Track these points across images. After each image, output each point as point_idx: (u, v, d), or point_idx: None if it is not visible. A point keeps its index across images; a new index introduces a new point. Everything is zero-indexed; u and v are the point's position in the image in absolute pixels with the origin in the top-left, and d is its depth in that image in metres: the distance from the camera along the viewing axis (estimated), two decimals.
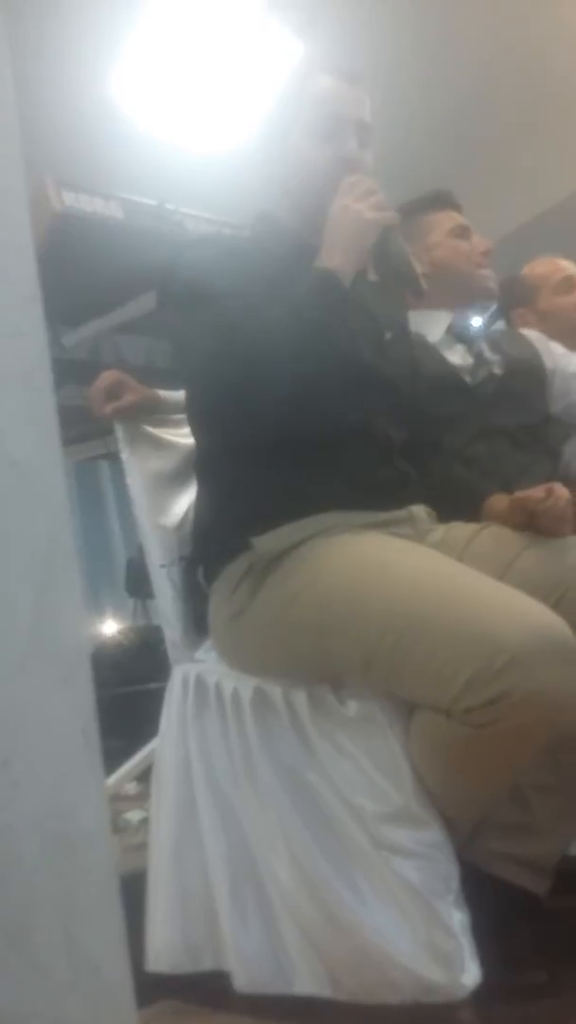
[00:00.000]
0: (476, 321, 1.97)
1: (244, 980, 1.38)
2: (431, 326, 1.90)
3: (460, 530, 1.54)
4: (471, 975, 1.22)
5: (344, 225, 1.46)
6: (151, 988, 1.42)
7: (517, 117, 3.64)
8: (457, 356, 1.87)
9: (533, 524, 1.46)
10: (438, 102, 3.43)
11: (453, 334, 1.90)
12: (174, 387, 1.78)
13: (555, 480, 1.52)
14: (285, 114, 1.61)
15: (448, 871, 1.27)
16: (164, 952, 1.46)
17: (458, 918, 1.24)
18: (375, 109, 1.58)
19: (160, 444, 1.79)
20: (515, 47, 3.36)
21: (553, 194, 4.11)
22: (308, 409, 1.43)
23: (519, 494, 1.48)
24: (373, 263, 1.53)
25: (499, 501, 1.55)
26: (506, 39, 3.33)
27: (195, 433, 1.65)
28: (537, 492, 1.45)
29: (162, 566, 1.68)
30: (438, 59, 3.29)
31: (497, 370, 1.87)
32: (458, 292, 1.92)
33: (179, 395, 1.75)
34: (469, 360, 1.86)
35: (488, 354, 1.89)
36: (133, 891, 1.44)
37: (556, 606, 1.27)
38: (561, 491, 1.45)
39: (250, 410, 1.45)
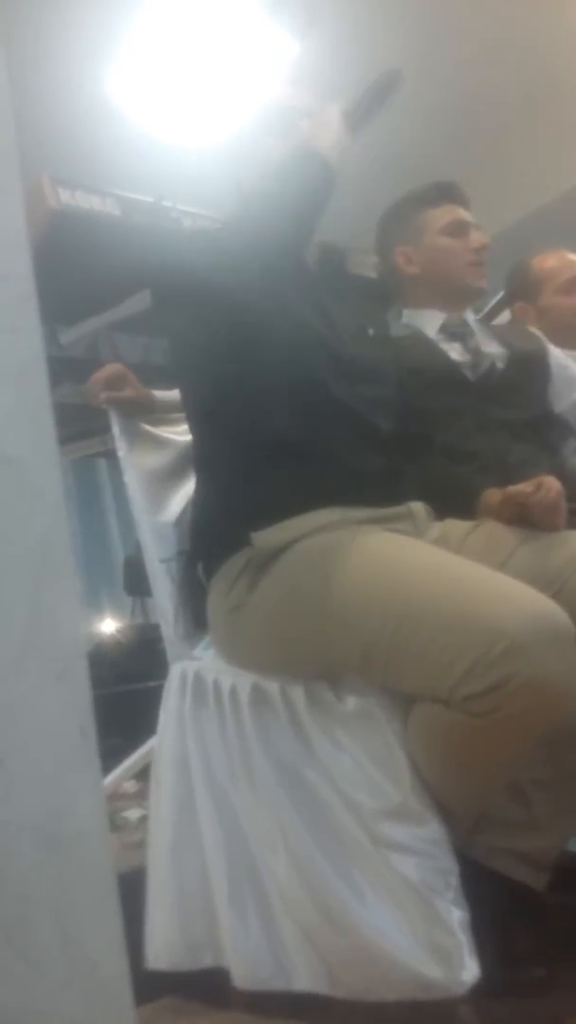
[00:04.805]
0: (470, 318, 1.96)
1: (243, 977, 1.38)
2: (424, 326, 1.90)
3: (456, 527, 1.54)
4: (470, 972, 1.21)
5: (311, 131, 1.59)
6: (150, 985, 1.42)
7: (515, 113, 3.63)
8: (455, 353, 1.86)
9: (525, 517, 1.46)
10: (436, 97, 3.41)
11: (446, 333, 1.89)
12: (171, 385, 1.78)
13: (556, 475, 1.52)
14: (245, 137, 1.71)
15: (447, 868, 1.27)
16: (163, 949, 1.47)
17: (457, 915, 1.24)
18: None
19: (157, 441, 1.79)
20: (514, 43, 3.35)
21: (551, 189, 4.11)
22: (303, 400, 1.45)
23: (511, 488, 1.48)
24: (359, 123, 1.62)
25: (493, 495, 1.55)
26: (505, 35, 3.32)
27: (193, 429, 1.65)
28: (528, 486, 1.45)
29: (162, 561, 1.68)
30: (437, 54, 3.28)
31: (500, 364, 1.86)
32: (448, 294, 1.91)
33: (175, 394, 1.76)
34: (466, 357, 1.86)
35: (487, 348, 1.89)
36: (132, 889, 1.45)
37: (553, 600, 1.27)
38: (552, 484, 1.45)
39: (247, 403, 1.46)
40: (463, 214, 1.93)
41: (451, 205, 1.93)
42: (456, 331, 1.90)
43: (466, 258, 1.89)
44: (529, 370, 1.90)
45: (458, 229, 1.91)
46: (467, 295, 1.93)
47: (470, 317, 1.96)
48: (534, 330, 2.06)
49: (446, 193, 1.94)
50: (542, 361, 1.94)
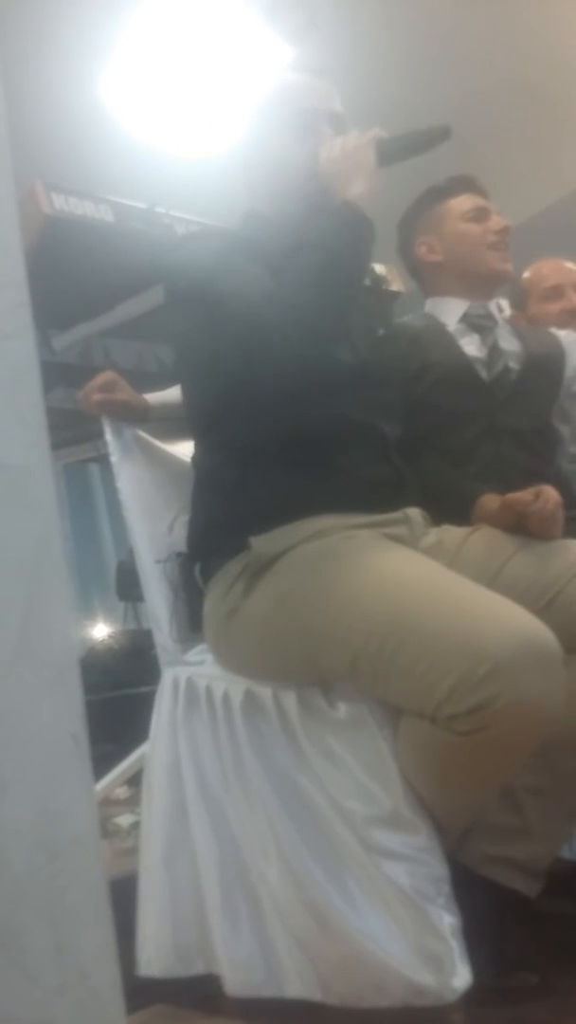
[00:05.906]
0: (494, 309, 1.96)
1: (235, 984, 1.38)
2: (446, 314, 1.90)
3: (452, 534, 1.54)
4: (461, 978, 1.21)
5: (338, 164, 1.51)
6: (142, 992, 1.42)
7: (515, 116, 3.65)
8: (473, 346, 1.86)
9: (523, 526, 1.46)
10: (432, 104, 3.43)
11: (468, 323, 1.89)
12: (166, 387, 1.78)
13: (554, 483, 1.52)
14: (260, 118, 1.64)
15: (439, 874, 1.27)
16: (155, 956, 1.46)
17: (448, 921, 1.24)
18: (369, 108, 1.60)
19: (150, 447, 1.78)
20: (509, 51, 3.37)
21: (545, 197, 4.12)
22: (309, 405, 1.44)
23: (509, 496, 1.48)
24: (391, 160, 1.55)
25: (491, 501, 1.55)
26: (500, 43, 3.33)
27: (196, 432, 1.65)
28: (527, 495, 1.45)
29: (158, 561, 1.67)
30: (433, 62, 3.29)
31: (514, 364, 1.86)
32: (471, 279, 1.91)
33: (169, 396, 1.76)
34: (483, 352, 1.85)
35: (504, 346, 1.88)
36: (124, 895, 1.44)
37: (548, 608, 1.27)
38: (550, 493, 1.45)
39: (253, 407, 1.45)
40: (483, 201, 1.93)
41: (468, 194, 1.94)
42: (478, 321, 1.89)
43: (488, 240, 1.90)
44: (543, 373, 1.89)
45: (479, 214, 1.92)
46: (491, 280, 1.93)
47: (495, 309, 1.96)
48: (555, 331, 2.05)
49: (465, 184, 1.96)
50: (557, 364, 1.93)
